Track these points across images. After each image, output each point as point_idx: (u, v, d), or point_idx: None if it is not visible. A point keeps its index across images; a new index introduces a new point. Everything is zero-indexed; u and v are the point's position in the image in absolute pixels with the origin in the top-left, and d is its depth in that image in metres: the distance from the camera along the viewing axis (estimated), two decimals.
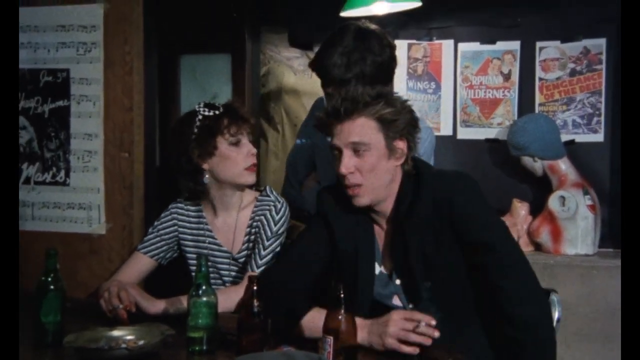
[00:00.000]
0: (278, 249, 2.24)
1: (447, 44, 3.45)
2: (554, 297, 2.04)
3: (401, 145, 1.92)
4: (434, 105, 3.47)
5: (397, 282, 1.96)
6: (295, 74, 4.01)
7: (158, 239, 2.36)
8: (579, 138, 3.27)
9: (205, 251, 2.31)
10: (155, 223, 2.39)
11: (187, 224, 2.37)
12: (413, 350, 1.70)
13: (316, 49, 2.47)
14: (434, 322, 1.70)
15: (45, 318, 1.88)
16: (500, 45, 3.38)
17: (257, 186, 2.38)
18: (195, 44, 3.86)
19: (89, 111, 2.55)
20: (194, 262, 2.28)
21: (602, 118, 3.24)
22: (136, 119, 2.54)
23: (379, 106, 1.88)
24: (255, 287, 1.71)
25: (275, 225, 2.25)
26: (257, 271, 2.17)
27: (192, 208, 2.38)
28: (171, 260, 2.40)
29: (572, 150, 3.23)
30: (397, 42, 2.61)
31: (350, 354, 1.62)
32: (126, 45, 2.52)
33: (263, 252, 2.22)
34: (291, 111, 4.00)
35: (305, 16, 3.67)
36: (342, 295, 1.60)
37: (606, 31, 3.21)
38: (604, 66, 3.23)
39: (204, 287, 1.79)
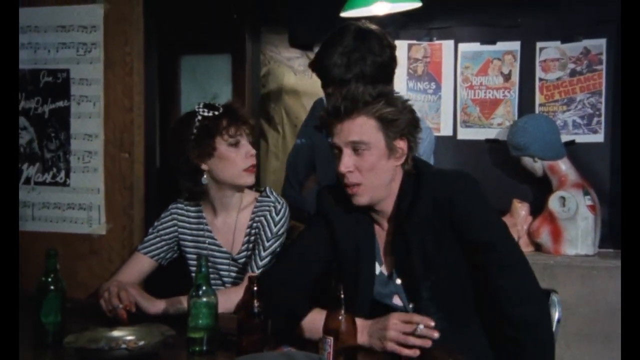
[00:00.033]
0: (278, 250, 2.24)
1: (448, 45, 3.45)
2: (554, 298, 2.04)
3: (401, 144, 1.91)
4: (434, 106, 3.47)
5: (398, 281, 1.96)
6: (296, 75, 4.00)
7: (158, 239, 2.36)
8: (579, 138, 3.27)
9: (204, 252, 2.30)
10: (155, 223, 2.39)
11: (187, 225, 2.37)
12: (413, 353, 1.70)
13: (316, 50, 2.47)
14: (432, 324, 1.70)
15: (46, 318, 1.88)
16: (501, 46, 3.38)
17: (257, 187, 2.38)
18: (195, 44, 3.86)
19: (89, 112, 2.55)
20: (194, 262, 2.28)
21: (602, 118, 3.24)
22: (136, 120, 2.54)
23: (379, 105, 1.88)
24: (255, 288, 1.71)
25: (275, 226, 2.25)
26: (257, 272, 2.17)
27: (192, 208, 2.38)
28: (171, 260, 2.40)
29: (572, 150, 3.23)
30: (398, 43, 2.61)
31: (351, 355, 1.62)
32: (126, 46, 2.52)
33: (263, 253, 2.22)
34: (291, 112, 4.00)
35: (306, 16, 3.67)
36: (342, 296, 1.60)
37: (606, 31, 3.21)
38: (604, 66, 3.23)
39: (204, 288, 1.79)
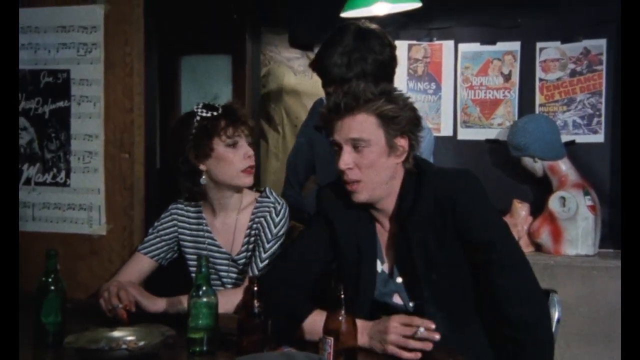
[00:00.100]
0: (278, 251, 2.23)
1: (448, 45, 3.45)
2: (554, 298, 2.04)
3: (402, 142, 1.91)
4: (435, 106, 3.47)
5: (398, 280, 1.96)
6: (296, 75, 4.00)
7: (158, 239, 2.36)
8: (579, 139, 3.27)
9: (204, 252, 2.30)
10: (155, 224, 2.39)
11: (187, 225, 2.37)
12: (414, 356, 1.69)
13: (316, 50, 2.47)
14: (433, 326, 1.69)
15: (46, 319, 1.88)
16: (501, 46, 3.39)
17: (257, 187, 2.37)
18: (195, 44, 3.86)
19: (89, 112, 2.55)
20: (194, 263, 2.28)
21: (603, 119, 3.24)
22: (137, 120, 2.54)
23: (380, 102, 1.88)
24: (255, 288, 1.71)
25: (275, 227, 2.24)
26: (257, 274, 2.16)
27: (192, 209, 2.37)
28: (171, 260, 2.40)
29: (573, 150, 3.23)
30: (398, 43, 2.61)
31: (351, 355, 1.61)
32: (126, 46, 2.52)
33: (263, 255, 2.22)
34: (291, 112, 4.00)
35: (306, 17, 3.68)
36: (342, 296, 1.60)
37: (606, 32, 3.22)
38: (604, 67, 3.23)
39: (204, 288, 1.79)
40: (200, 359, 1.76)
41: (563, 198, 3.10)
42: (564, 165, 3.17)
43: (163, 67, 3.70)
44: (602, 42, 3.23)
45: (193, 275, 2.18)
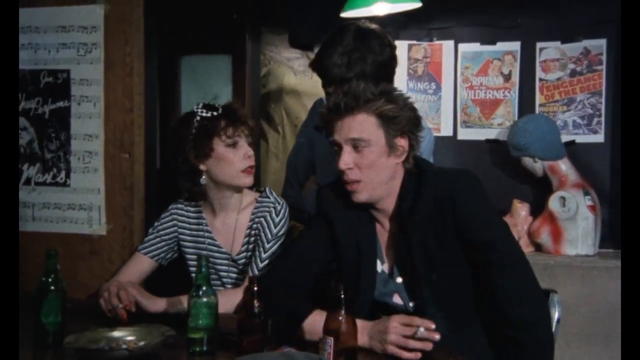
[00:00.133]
0: (279, 251, 2.23)
1: (448, 45, 3.45)
2: (554, 298, 2.04)
3: (402, 142, 1.91)
4: (435, 106, 3.47)
5: (398, 280, 1.96)
6: (296, 75, 4.01)
7: (158, 239, 2.36)
8: (579, 139, 3.27)
9: (204, 252, 2.30)
10: (156, 224, 2.39)
11: (187, 225, 2.37)
12: (414, 356, 1.69)
13: (316, 50, 2.47)
14: (433, 326, 1.69)
15: (46, 319, 1.88)
16: (501, 46, 3.39)
17: (257, 187, 2.37)
18: (195, 44, 3.87)
19: (89, 112, 2.55)
20: (194, 263, 2.28)
21: (603, 119, 3.24)
22: (137, 120, 2.54)
23: (380, 102, 1.88)
24: (255, 288, 1.71)
25: (275, 227, 2.24)
26: (258, 274, 2.16)
27: (192, 209, 2.37)
28: (171, 260, 2.40)
29: (573, 150, 3.23)
30: (398, 43, 2.61)
31: (351, 355, 1.61)
32: (126, 46, 2.52)
33: (263, 255, 2.22)
34: (291, 112, 4.00)
35: (306, 17, 3.68)
36: (342, 296, 1.60)
37: (606, 32, 3.22)
38: (604, 67, 3.23)
39: (204, 288, 1.79)
40: (200, 359, 1.76)
41: (563, 198, 3.10)
42: (564, 165, 3.17)
43: (163, 67, 3.70)
44: (602, 42, 3.23)
45: (193, 275, 2.18)
